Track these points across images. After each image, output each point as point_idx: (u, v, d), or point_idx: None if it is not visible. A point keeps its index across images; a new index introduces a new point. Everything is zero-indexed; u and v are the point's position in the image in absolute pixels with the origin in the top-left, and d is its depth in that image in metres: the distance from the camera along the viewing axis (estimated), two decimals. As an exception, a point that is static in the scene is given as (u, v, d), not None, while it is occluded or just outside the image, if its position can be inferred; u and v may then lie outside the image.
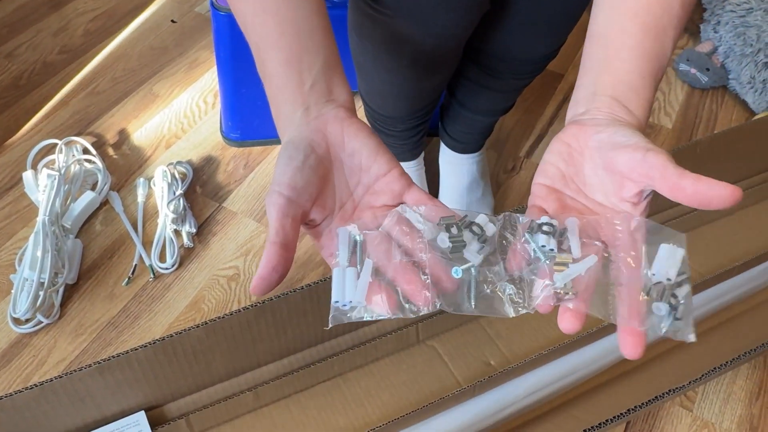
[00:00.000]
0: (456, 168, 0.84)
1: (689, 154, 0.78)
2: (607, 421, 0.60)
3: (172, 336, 0.57)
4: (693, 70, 1.09)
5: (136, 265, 0.81)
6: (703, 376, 0.62)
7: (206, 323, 0.58)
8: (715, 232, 0.83)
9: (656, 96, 1.09)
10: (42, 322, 0.75)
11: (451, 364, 0.69)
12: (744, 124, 0.81)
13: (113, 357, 0.55)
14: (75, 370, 0.54)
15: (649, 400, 0.60)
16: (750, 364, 0.77)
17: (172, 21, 0.76)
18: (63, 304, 0.77)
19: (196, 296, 0.79)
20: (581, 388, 0.71)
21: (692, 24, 1.17)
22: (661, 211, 0.82)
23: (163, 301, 0.78)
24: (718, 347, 0.73)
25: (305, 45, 0.42)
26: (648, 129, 1.03)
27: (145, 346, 0.56)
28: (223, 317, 0.58)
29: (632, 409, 0.60)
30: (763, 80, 1.02)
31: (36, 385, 0.53)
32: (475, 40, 0.67)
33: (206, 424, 0.63)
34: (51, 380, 0.54)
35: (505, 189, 0.94)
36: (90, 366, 0.55)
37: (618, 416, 0.60)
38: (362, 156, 0.40)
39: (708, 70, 1.08)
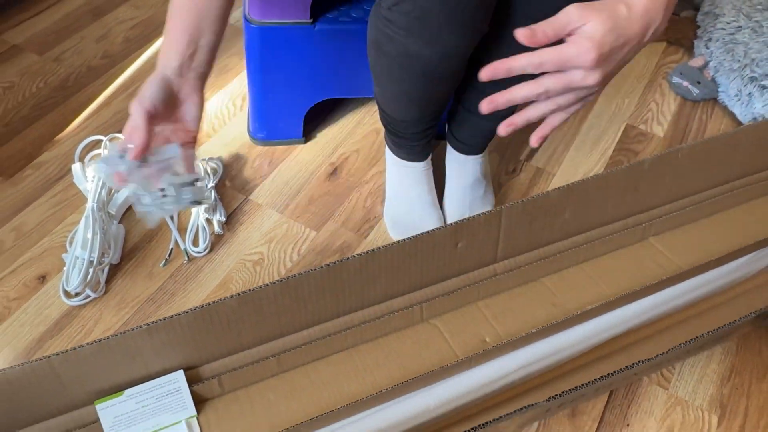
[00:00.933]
0: (461, 168, 0.93)
1: (671, 159, 0.87)
2: (588, 383, 0.68)
3: (209, 305, 0.66)
4: (685, 83, 1.17)
5: (172, 249, 0.90)
6: (673, 348, 0.70)
7: (239, 294, 0.67)
8: (696, 231, 0.91)
9: (649, 107, 1.17)
10: (90, 296, 0.84)
11: (450, 340, 0.78)
12: (724, 133, 0.89)
13: (160, 320, 0.65)
14: (128, 330, 0.64)
15: (624, 368, 0.68)
16: (723, 350, 0.85)
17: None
18: (108, 282, 0.87)
19: (225, 277, 0.89)
20: (566, 366, 0.79)
21: (686, 40, 1.25)
22: (647, 210, 0.90)
23: (195, 281, 0.88)
24: (694, 330, 0.81)
25: (202, 24, 0.67)
26: (641, 136, 1.12)
27: (187, 312, 0.65)
28: (253, 290, 0.67)
29: (606, 376, 0.68)
30: (749, 93, 1.10)
31: (96, 342, 0.63)
32: (479, 53, 0.77)
33: (235, 384, 0.72)
34: (108, 338, 0.63)
35: (506, 189, 1.02)
36: (140, 327, 0.64)
37: (596, 380, 0.68)
38: (185, 112, 0.70)
39: (699, 83, 1.16)
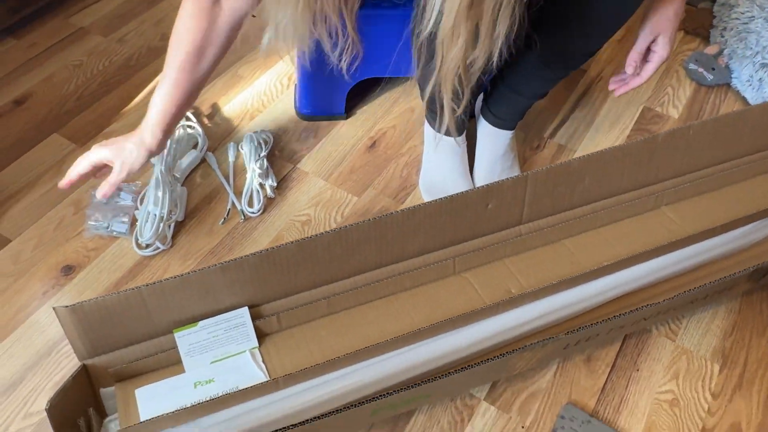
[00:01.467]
0: (493, 141, 1.03)
1: (683, 134, 0.95)
2: (603, 321, 0.77)
3: (273, 248, 0.76)
4: (700, 69, 1.25)
5: (229, 209, 1.01)
6: (678, 294, 0.79)
7: (298, 241, 0.77)
8: (704, 202, 1.00)
9: (666, 91, 1.25)
10: (159, 248, 0.95)
11: (480, 290, 0.87)
12: (733, 112, 0.97)
13: (232, 260, 0.75)
14: (204, 268, 0.74)
15: (636, 309, 0.77)
16: (727, 308, 0.93)
17: (253, 15, 0.94)
18: (173, 237, 0.97)
19: (277, 236, 0.99)
20: (583, 317, 0.88)
21: (703, 30, 1.33)
22: (660, 181, 0.98)
23: (251, 238, 0.98)
24: (699, 283, 0.89)
25: (191, 96, 0.87)
26: (657, 118, 1.20)
27: (254, 254, 0.76)
28: (310, 237, 0.78)
29: (620, 315, 0.77)
30: (760, 79, 1.18)
31: (178, 276, 0.73)
32: (537, 33, 0.85)
33: (291, 322, 0.82)
34: (188, 273, 0.74)
35: (530, 164, 1.12)
36: (216, 265, 0.75)
37: (611, 318, 0.77)
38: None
39: (713, 69, 1.24)
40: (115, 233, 0.96)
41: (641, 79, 0.90)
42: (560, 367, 0.86)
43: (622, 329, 0.82)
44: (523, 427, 0.81)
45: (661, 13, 0.85)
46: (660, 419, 0.82)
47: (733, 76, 1.23)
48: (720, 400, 0.85)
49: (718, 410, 0.84)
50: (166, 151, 1.00)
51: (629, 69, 0.89)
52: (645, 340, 0.90)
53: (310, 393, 0.74)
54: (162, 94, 0.84)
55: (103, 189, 0.86)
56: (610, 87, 0.94)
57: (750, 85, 1.20)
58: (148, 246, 0.95)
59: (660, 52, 0.86)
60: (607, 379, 0.86)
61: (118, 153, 0.86)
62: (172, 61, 0.83)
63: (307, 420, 0.67)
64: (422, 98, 0.99)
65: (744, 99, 1.22)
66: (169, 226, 0.97)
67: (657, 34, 0.86)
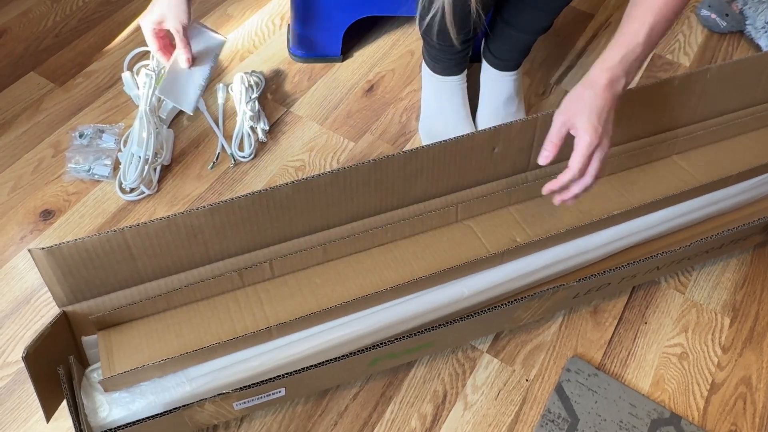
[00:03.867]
0: (496, 84, 0.97)
1: (700, 78, 0.90)
2: (614, 269, 0.73)
3: (266, 189, 0.71)
4: (713, 16, 1.19)
5: (218, 154, 0.95)
6: (692, 243, 0.75)
7: (293, 182, 0.72)
8: (717, 150, 0.95)
9: (677, 38, 1.20)
10: (144, 193, 0.90)
11: (483, 238, 0.83)
12: (752, 55, 0.92)
13: (221, 201, 0.70)
14: (192, 209, 0.69)
15: (648, 257, 0.73)
16: (738, 261, 0.90)
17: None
18: (159, 181, 0.92)
19: (269, 181, 0.94)
20: (593, 267, 0.84)
21: (717, -27, 1.27)
22: (674, 128, 0.93)
23: (242, 183, 0.93)
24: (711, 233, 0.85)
25: None
26: (667, 65, 1.15)
27: (246, 195, 0.71)
28: (306, 179, 0.73)
29: (631, 263, 0.73)
30: (776, 25, 1.12)
31: (164, 218, 0.68)
32: None
33: (285, 269, 0.78)
34: (174, 215, 0.69)
35: (535, 110, 1.06)
36: (204, 207, 0.69)
37: (621, 267, 0.73)
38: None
39: (727, 15, 1.19)
40: (97, 177, 0.91)
41: (590, 178, 0.70)
42: (566, 319, 0.83)
43: (633, 278, 0.78)
44: (527, 380, 0.78)
45: (573, 95, 0.71)
46: (668, 373, 0.79)
47: (747, 23, 1.18)
48: (730, 354, 0.82)
49: (728, 364, 0.81)
50: (149, 90, 0.94)
51: (542, 161, 0.71)
52: (653, 293, 0.86)
53: (304, 343, 0.70)
54: None
55: (185, 55, 0.86)
56: (544, 192, 0.73)
57: (765, 32, 1.14)
58: (132, 190, 0.90)
59: (583, 136, 0.69)
60: (614, 331, 0.82)
61: (162, 8, 0.82)
62: None
63: (302, 369, 0.63)
64: (420, 28, 0.92)
65: (758, 47, 1.17)
66: (155, 170, 0.91)
67: (570, 118, 0.70)
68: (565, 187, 0.71)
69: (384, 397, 0.76)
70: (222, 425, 0.73)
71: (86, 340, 0.70)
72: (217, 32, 0.91)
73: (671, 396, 0.78)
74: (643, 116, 0.89)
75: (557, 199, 0.73)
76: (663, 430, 0.75)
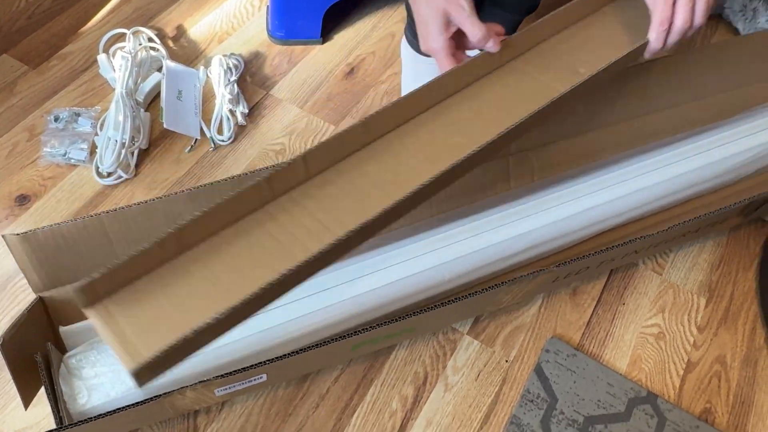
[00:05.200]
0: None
1: (680, 61, 0.91)
2: (592, 254, 0.73)
3: (246, 174, 0.70)
4: (693, -2, 1.20)
5: (197, 139, 0.94)
6: (670, 228, 0.75)
7: (273, 166, 0.71)
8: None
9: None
10: (122, 177, 0.89)
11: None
12: (732, 38, 0.93)
13: (201, 186, 0.69)
14: (171, 194, 0.68)
15: (627, 241, 0.74)
16: (714, 242, 0.91)
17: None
18: (137, 165, 0.91)
19: (249, 165, 0.93)
20: (572, 250, 0.85)
21: (696, -44, 1.27)
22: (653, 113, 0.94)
23: (221, 167, 0.92)
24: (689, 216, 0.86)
25: None
26: (647, 48, 1.15)
27: (226, 180, 0.70)
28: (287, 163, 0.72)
29: (610, 248, 0.73)
30: (754, 8, 1.13)
31: (142, 202, 0.68)
32: None
33: (322, 165, 0.61)
34: (153, 200, 0.68)
35: (516, 93, 1.06)
36: (183, 191, 0.69)
37: (601, 251, 0.73)
38: None
39: (706, -2, 1.19)
40: (73, 161, 0.90)
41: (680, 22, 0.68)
42: (545, 301, 0.84)
43: (612, 262, 0.79)
44: (506, 360, 0.79)
45: None
46: (645, 353, 0.81)
47: (725, 5, 1.19)
48: (705, 334, 0.83)
49: (703, 343, 0.82)
50: (126, 73, 0.92)
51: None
52: (632, 275, 0.87)
53: (285, 327, 0.70)
54: None
55: (493, 43, 0.68)
56: (647, 57, 0.72)
57: (743, 15, 1.15)
58: (109, 174, 0.89)
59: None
60: (592, 313, 0.83)
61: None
62: None
63: (284, 355, 0.63)
64: (406, 7, 0.91)
65: (736, 30, 1.18)
66: (132, 154, 0.90)
67: None
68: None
69: (365, 379, 0.76)
70: (203, 409, 0.73)
71: (65, 330, 0.69)
72: (187, 66, 1.00)
73: (648, 375, 0.79)
74: (624, 99, 0.89)
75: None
76: (639, 408, 0.76)
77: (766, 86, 0.99)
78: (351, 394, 0.75)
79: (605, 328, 0.82)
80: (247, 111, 0.97)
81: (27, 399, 0.64)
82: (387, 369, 0.77)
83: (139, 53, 0.98)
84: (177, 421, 0.71)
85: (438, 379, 0.77)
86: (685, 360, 0.81)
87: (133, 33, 1.01)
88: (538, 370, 0.78)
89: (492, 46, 0.68)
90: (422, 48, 0.69)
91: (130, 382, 0.64)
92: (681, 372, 0.80)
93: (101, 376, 0.64)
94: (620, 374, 0.78)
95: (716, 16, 1.21)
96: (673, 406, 0.76)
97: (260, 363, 0.62)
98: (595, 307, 0.84)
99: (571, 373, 0.78)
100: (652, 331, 0.83)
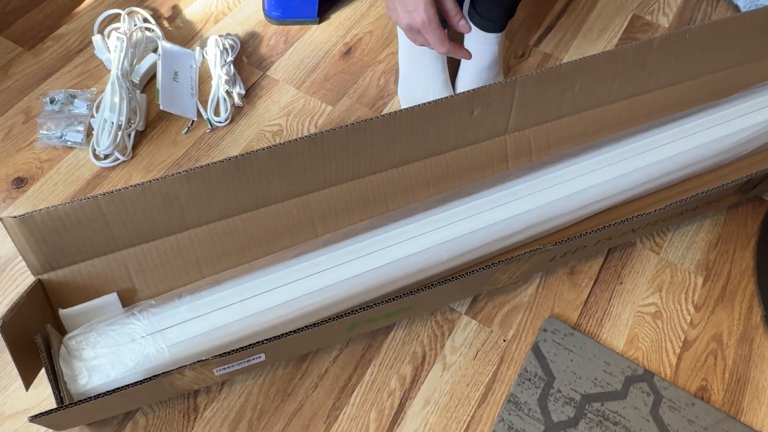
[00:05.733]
0: (480, 47, 0.95)
1: (679, 39, 0.90)
2: (591, 231, 0.73)
3: (243, 155, 0.70)
4: (693, -25, 1.19)
5: (193, 120, 0.94)
6: (668, 206, 0.75)
7: (270, 147, 0.71)
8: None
9: (657, -2, 1.19)
10: (119, 159, 0.88)
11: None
12: (732, 16, 0.92)
13: (197, 167, 0.69)
14: (168, 175, 0.68)
15: (624, 220, 0.74)
16: (712, 222, 0.91)
17: None
18: (134, 147, 0.91)
19: (246, 146, 0.93)
20: (570, 229, 0.85)
21: (697, -68, 1.26)
22: (653, 90, 0.93)
23: (218, 149, 0.92)
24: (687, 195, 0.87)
25: None
26: (646, 26, 1.14)
27: (222, 161, 0.70)
28: (283, 144, 0.72)
29: (608, 226, 0.73)
30: (755, -15, 1.12)
31: (138, 184, 0.68)
32: None
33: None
34: (150, 181, 0.68)
35: (514, 72, 1.06)
36: (179, 173, 0.69)
37: (598, 229, 0.73)
38: None
39: (707, -25, 1.18)
40: (69, 143, 0.89)
41: None
42: (543, 280, 0.84)
43: (609, 240, 0.79)
44: (504, 340, 0.79)
45: None
46: (642, 331, 0.81)
47: (726, -18, 1.18)
48: (702, 312, 0.83)
49: (700, 322, 0.83)
50: (121, 54, 0.92)
51: None
52: (629, 254, 0.87)
53: (284, 308, 0.70)
54: None
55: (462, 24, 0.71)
56: None
57: (743, -8, 1.14)
58: (106, 157, 0.88)
59: None
60: (590, 292, 0.84)
61: None
62: None
63: (282, 335, 0.63)
64: None
65: (736, 7, 1.17)
66: (129, 136, 0.90)
67: None
68: None
69: (363, 359, 0.77)
70: (203, 389, 0.73)
71: (64, 312, 0.69)
72: (183, 47, 0.99)
73: (645, 354, 0.80)
74: (623, 77, 0.89)
75: None
76: (636, 386, 0.77)
77: (766, 64, 0.98)
78: (350, 374, 0.76)
79: (603, 307, 0.83)
80: (243, 92, 0.96)
81: (28, 380, 0.64)
82: (385, 349, 0.78)
83: (134, 34, 0.97)
84: (177, 402, 0.72)
85: (436, 358, 0.77)
86: (682, 338, 0.81)
87: (128, 13, 1.00)
88: (536, 349, 0.78)
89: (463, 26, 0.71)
90: (405, 23, 0.70)
91: (130, 363, 0.64)
92: (678, 350, 0.80)
93: (101, 357, 0.64)
94: (617, 353, 0.79)
95: (716, -6, 1.20)
96: (670, 384, 0.77)
97: (258, 342, 0.62)
98: (593, 286, 0.84)
99: (569, 352, 0.78)
100: (650, 310, 0.83)
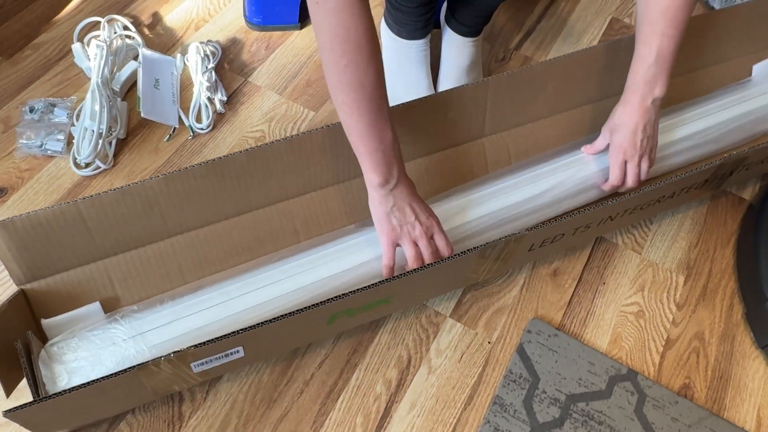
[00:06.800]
0: (459, 50, 0.97)
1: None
2: (572, 213, 0.73)
3: (221, 158, 0.70)
4: (670, -21, 1.20)
5: (175, 128, 0.94)
6: (644, 189, 0.76)
7: (248, 150, 0.71)
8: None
9: (634, 0, 1.20)
10: (100, 168, 0.88)
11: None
12: (697, 16, 0.93)
13: (176, 171, 0.69)
14: (147, 179, 0.68)
15: (599, 204, 0.74)
16: (692, 221, 0.92)
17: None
18: (115, 156, 0.90)
19: (229, 153, 0.92)
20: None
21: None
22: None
23: (200, 156, 0.92)
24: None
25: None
26: (625, 29, 1.16)
27: (200, 165, 0.70)
28: (260, 146, 0.72)
29: (588, 208, 0.73)
30: (730, -12, 1.14)
31: (118, 188, 0.67)
32: None
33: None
34: (129, 185, 0.68)
35: (495, 76, 1.06)
36: (158, 176, 0.68)
37: (579, 211, 0.73)
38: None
39: (683, -22, 1.19)
40: (50, 152, 0.89)
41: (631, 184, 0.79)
42: (527, 282, 0.84)
43: (588, 229, 0.79)
44: (489, 342, 0.79)
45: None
46: (625, 331, 0.82)
47: (702, -15, 1.19)
48: (684, 311, 0.84)
49: (682, 320, 0.83)
50: (101, 62, 0.91)
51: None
52: (611, 254, 0.88)
53: (263, 307, 0.69)
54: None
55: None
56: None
57: (719, -6, 1.16)
58: (87, 165, 0.88)
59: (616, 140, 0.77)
60: (573, 293, 0.84)
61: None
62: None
63: (258, 324, 0.62)
64: None
65: (711, 7, 1.19)
66: (110, 144, 0.89)
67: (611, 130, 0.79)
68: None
69: (349, 364, 0.77)
70: (188, 396, 0.73)
71: (46, 322, 0.69)
72: (164, 55, 0.99)
73: (628, 353, 0.80)
74: (595, 79, 0.89)
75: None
76: (620, 385, 0.77)
77: (736, 64, 0.99)
78: (335, 379, 0.76)
79: (586, 308, 0.83)
80: (225, 98, 0.96)
81: (9, 388, 0.63)
82: (371, 353, 0.77)
83: (114, 42, 0.97)
84: (162, 410, 0.72)
85: (422, 361, 0.77)
86: (665, 337, 0.82)
87: (108, 21, 1.00)
88: (521, 351, 0.78)
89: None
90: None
91: (110, 364, 0.63)
92: (660, 349, 0.81)
93: (81, 360, 0.63)
94: (601, 352, 0.79)
95: (693, -3, 1.22)
96: (653, 383, 0.77)
97: (233, 333, 0.60)
98: (576, 287, 0.85)
99: (553, 352, 0.78)
100: (632, 310, 0.84)
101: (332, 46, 0.61)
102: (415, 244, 0.69)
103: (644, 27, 0.75)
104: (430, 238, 0.70)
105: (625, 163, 0.78)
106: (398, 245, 0.70)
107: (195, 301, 0.68)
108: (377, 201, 0.69)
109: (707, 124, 0.89)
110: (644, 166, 0.79)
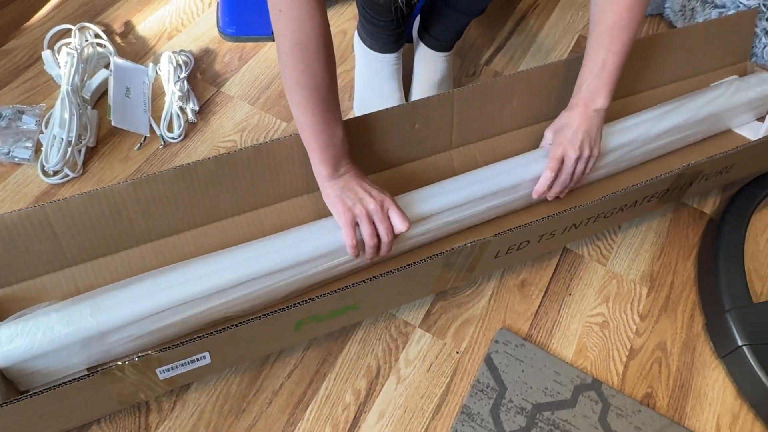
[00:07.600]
0: (431, 65, 0.98)
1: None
2: (539, 219, 0.74)
3: (189, 164, 0.70)
4: (635, -1, 1.24)
5: (146, 137, 0.93)
6: (604, 197, 0.78)
7: (216, 156, 0.72)
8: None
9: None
10: (69, 176, 0.87)
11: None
12: (658, 33, 0.96)
13: (144, 176, 0.69)
14: (114, 184, 0.68)
15: (569, 209, 0.76)
16: (655, 234, 0.95)
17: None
18: (84, 164, 0.89)
19: (200, 162, 0.92)
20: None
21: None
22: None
23: (171, 165, 0.91)
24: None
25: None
26: (592, 47, 1.19)
27: (169, 170, 0.70)
28: (229, 153, 0.72)
29: (553, 215, 0.75)
30: (692, 8, 1.18)
31: (85, 193, 0.67)
32: None
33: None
34: (96, 190, 0.67)
35: (466, 91, 1.08)
36: (126, 182, 0.68)
37: (546, 217, 0.74)
38: None
39: (648, -1, 1.23)
40: (17, 159, 0.88)
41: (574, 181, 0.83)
42: (495, 293, 0.86)
43: (552, 237, 0.80)
44: (457, 352, 0.80)
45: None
46: (591, 341, 0.83)
47: (666, 5, 1.23)
48: (647, 322, 0.86)
49: (645, 331, 0.85)
50: (71, 69, 0.91)
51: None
52: (577, 266, 0.90)
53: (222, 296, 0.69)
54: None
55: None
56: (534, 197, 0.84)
57: (682, 15, 1.20)
58: (55, 173, 0.87)
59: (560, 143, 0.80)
60: (540, 303, 0.86)
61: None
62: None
63: (224, 328, 0.61)
64: (357, 4, 0.92)
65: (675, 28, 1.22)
66: (79, 152, 0.89)
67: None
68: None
69: (318, 374, 0.77)
70: (155, 406, 0.72)
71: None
72: (136, 63, 0.99)
73: (593, 363, 0.82)
74: (557, 92, 0.91)
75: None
76: (585, 395, 0.78)
77: (693, 82, 1.03)
78: (304, 389, 0.76)
79: (552, 318, 0.85)
80: (197, 108, 0.96)
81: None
82: (340, 363, 0.78)
83: (85, 49, 0.97)
84: (128, 420, 0.71)
85: (390, 371, 0.78)
86: (628, 347, 0.83)
87: (80, 29, 0.99)
88: (488, 361, 0.79)
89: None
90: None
91: (58, 328, 0.62)
92: (624, 359, 0.82)
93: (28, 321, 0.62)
94: (567, 362, 0.81)
95: (657, 16, 1.26)
96: (617, 392, 0.79)
97: (199, 336, 0.60)
98: (543, 297, 0.86)
99: (520, 362, 0.80)
100: (597, 320, 0.85)
101: (292, 51, 0.66)
102: (372, 222, 0.71)
103: (592, 41, 0.80)
104: (386, 214, 0.72)
105: (563, 159, 0.81)
106: (357, 224, 0.72)
107: (154, 282, 0.67)
108: (328, 188, 0.73)
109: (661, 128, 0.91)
110: (580, 167, 0.81)
